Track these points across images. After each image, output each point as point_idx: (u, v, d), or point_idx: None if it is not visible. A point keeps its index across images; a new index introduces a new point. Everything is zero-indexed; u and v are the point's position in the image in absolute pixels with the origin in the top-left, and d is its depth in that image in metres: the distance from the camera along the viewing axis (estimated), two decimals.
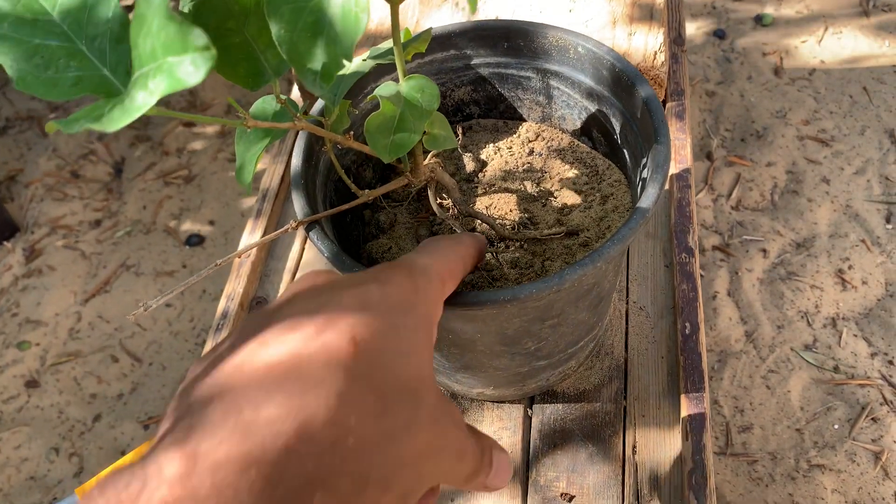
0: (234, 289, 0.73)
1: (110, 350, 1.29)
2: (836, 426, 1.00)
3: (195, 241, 1.41)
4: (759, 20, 1.53)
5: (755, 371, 1.07)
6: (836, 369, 1.06)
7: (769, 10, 1.55)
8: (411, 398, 0.30)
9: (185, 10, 0.42)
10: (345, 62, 0.35)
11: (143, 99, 0.29)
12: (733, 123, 1.37)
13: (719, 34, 1.52)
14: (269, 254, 0.77)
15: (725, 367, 1.07)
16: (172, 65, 0.28)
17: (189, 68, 0.27)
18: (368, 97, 0.58)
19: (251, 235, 0.76)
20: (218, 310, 0.72)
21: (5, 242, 1.48)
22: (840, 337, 1.08)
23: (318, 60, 0.36)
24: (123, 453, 1.15)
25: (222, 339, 0.33)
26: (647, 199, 0.47)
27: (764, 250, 1.19)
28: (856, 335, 1.09)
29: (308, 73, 0.36)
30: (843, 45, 1.46)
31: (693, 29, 1.55)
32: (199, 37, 0.27)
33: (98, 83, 0.40)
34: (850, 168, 1.27)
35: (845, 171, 1.27)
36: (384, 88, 0.44)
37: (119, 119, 0.29)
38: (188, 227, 1.44)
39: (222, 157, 1.55)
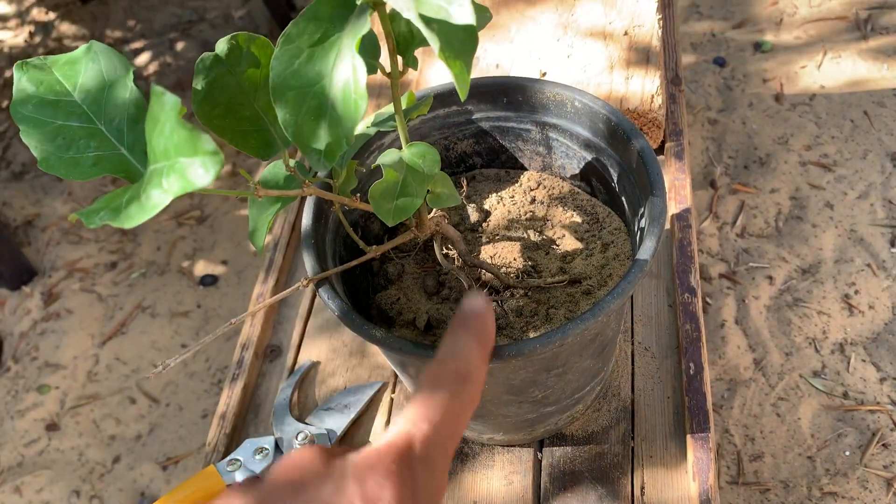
0: (249, 337, 0.75)
1: (128, 392, 1.31)
2: (847, 453, 1.01)
3: (209, 281, 1.43)
4: (759, 47, 1.56)
5: (765, 399, 1.07)
6: (845, 395, 1.06)
7: (768, 36, 1.57)
8: None
9: (199, 87, 0.45)
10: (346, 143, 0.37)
11: (158, 198, 0.31)
12: (736, 151, 1.39)
13: (719, 62, 1.54)
14: (282, 301, 0.79)
15: (735, 395, 1.08)
16: (184, 165, 0.30)
17: (199, 170, 0.30)
18: (374, 162, 0.61)
19: (264, 284, 0.78)
20: (233, 358, 0.74)
21: (24, 287, 1.51)
22: (848, 362, 1.09)
23: (321, 141, 0.38)
24: (143, 495, 1.17)
25: None
26: (645, 253, 0.49)
27: (770, 277, 1.20)
28: (864, 360, 1.09)
29: (313, 153, 0.38)
30: (842, 69, 1.47)
31: (693, 57, 1.57)
32: (208, 142, 0.29)
33: (116, 163, 0.42)
34: (854, 192, 1.28)
35: (848, 195, 1.28)
36: (387, 156, 0.46)
37: (136, 216, 0.31)
38: (202, 267, 1.47)
39: (234, 197, 1.57)
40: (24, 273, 1.51)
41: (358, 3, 0.37)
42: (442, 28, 0.36)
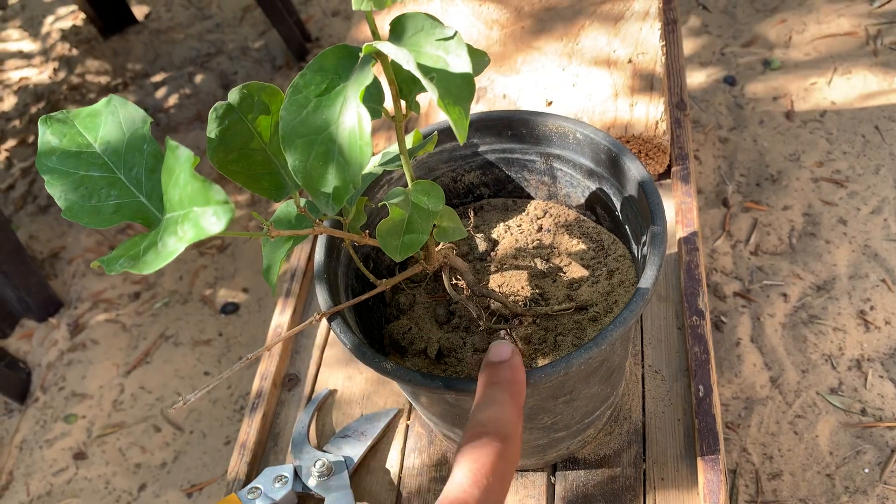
0: (268, 367, 0.77)
1: (153, 420, 1.33)
2: (866, 470, 1.01)
3: (230, 309, 1.46)
4: (768, 65, 1.57)
5: (782, 417, 1.07)
6: (863, 412, 1.06)
7: (778, 54, 1.58)
8: None
9: (212, 135, 0.47)
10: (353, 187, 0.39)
11: (173, 245, 0.33)
12: (748, 169, 1.40)
13: (729, 81, 1.56)
14: (300, 331, 0.81)
15: (752, 413, 1.09)
16: (198, 214, 0.32)
17: (212, 218, 0.32)
18: (383, 197, 0.62)
19: (282, 315, 0.80)
20: (252, 389, 0.76)
21: (51, 318, 1.54)
22: (865, 379, 1.09)
23: (329, 186, 0.40)
24: None
25: None
26: (646, 282, 0.50)
27: (785, 294, 1.21)
28: (881, 376, 1.09)
29: (321, 196, 0.40)
30: (853, 85, 1.48)
31: (704, 76, 1.59)
32: (219, 193, 0.32)
33: (135, 210, 0.45)
34: (867, 208, 1.29)
35: (862, 211, 1.28)
36: (393, 195, 0.48)
37: (153, 263, 0.33)
38: (223, 295, 1.49)
39: (253, 226, 1.60)
40: (50, 305, 1.55)
41: (361, 55, 0.39)
42: (440, 77, 0.38)
